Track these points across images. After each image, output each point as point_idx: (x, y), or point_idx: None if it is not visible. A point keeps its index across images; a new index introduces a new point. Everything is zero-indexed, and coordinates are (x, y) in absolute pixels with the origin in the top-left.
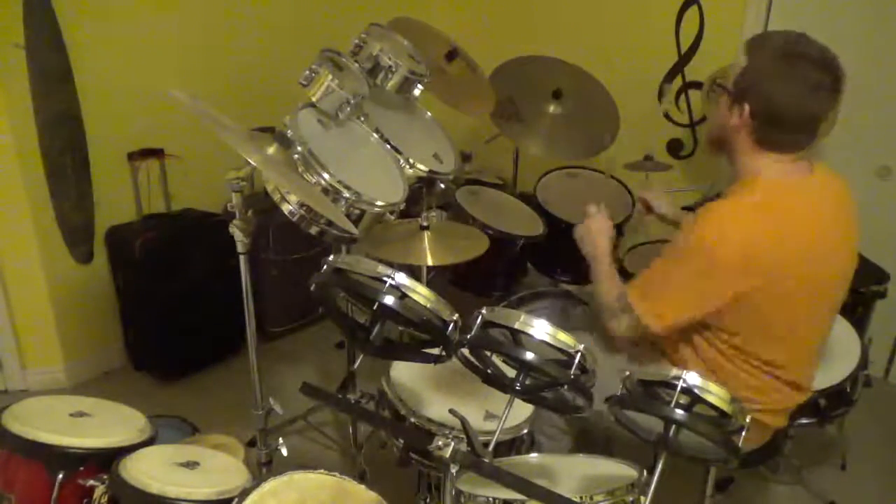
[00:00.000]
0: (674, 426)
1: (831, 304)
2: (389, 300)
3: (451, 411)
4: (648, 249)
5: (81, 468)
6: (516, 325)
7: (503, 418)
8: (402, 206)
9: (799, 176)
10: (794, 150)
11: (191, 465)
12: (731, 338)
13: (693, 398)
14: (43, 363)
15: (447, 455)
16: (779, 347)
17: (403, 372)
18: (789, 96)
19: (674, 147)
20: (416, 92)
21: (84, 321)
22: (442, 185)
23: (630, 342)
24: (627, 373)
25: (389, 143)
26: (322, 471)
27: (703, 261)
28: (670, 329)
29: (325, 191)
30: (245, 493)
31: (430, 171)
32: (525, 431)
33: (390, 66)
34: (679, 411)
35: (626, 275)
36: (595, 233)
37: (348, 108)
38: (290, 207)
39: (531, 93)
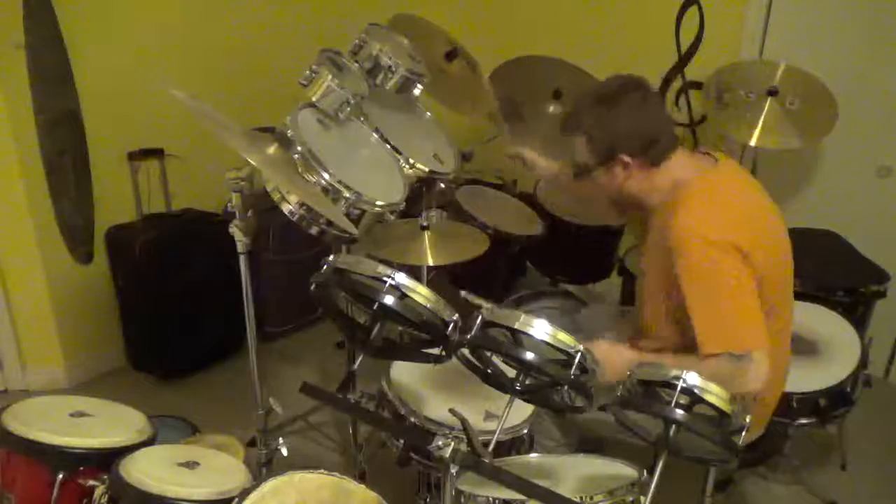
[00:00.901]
0: (674, 426)
1: (791, 271)
2: (389, 300)
3: (451, 411)
4: None
5: (81, 468)
6: (516, 325)
7: (503, 418)
8: (402, 206)
9: (711, 166)
10: (675, 147)
11: (191, 465)
12: None
13: (693, 398)
14: (43, 363)
15: (447, 455)
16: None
17: (403, 372)
18: (639, 118)
19: None
20: (416, 92)
21: (84, 321)
22: (442, 185)
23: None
24: (627, 373)
25: (389, 143)
26: (322, 471)
27: (739, 264)
28: None
29: (325, 191)
30: (245, 493)
31: (430, 171)
32: (525, 431)
33: (390, 66)
34: (679, 411)
35: (626, 273)
36: (613, 364)
37: (348, 108)
38: (290, 207)
39: (531, 93)
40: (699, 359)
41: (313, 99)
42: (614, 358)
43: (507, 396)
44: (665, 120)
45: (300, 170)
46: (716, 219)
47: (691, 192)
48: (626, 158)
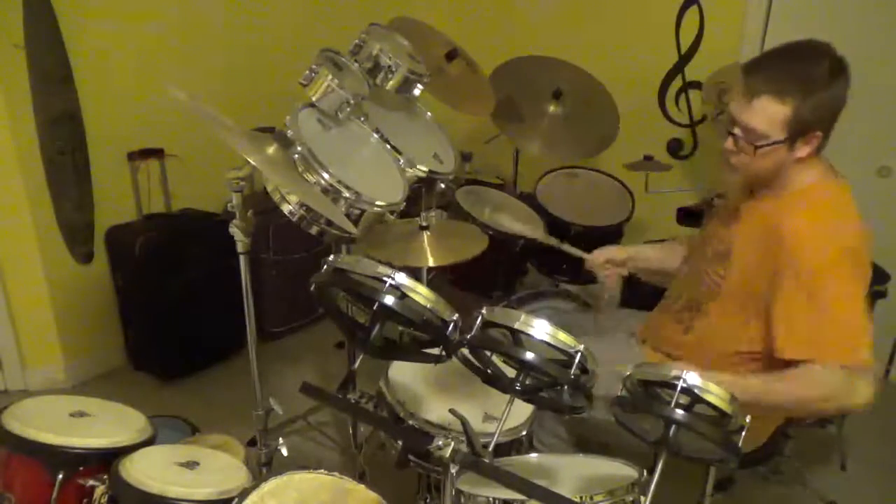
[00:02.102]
0: (674, 426)
1: None
2: (389, 300)
3: (451, 411)
4: None
5: (81, 468)
6: (516, 325)
7: (503, 418)
8: (403, 206)
9: (837, 177)
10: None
11: (191, 465)
12: None
13: (693, 398)
14: (43, 363)
15: (447, 455)
16: None
17: (403, 372)
18: (841, 91)
19: (674, 147)
20: (416, 92)
21: (84, 321)
22: (442, 185)
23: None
24: (627, 373)
25: (389, 143)
26: (322, 471)
27: (862, 270)
28: None
29: (325, 191)
30: (245, 493)
31: (430, 171)
32: (524, 433)
33: (390, 66)
34: (679, 411)
35: (629, 278)
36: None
37: (348, 108)
38: (290, 207)
39: (531, 93)
40: (793, 370)
41: (313, 99)
42: None
43: (507, 397)
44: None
45: (300, 170)
46: (845, 226)
47: (821, 193)
48: (819, 138)
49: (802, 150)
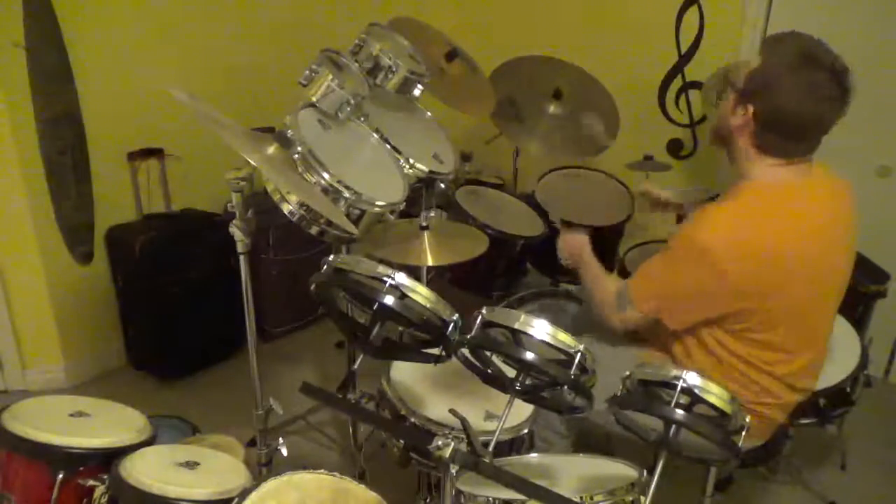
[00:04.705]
0: (674, 426)
1: (832, 303)
2: (389, 300)
3: (451, 411)
4: (648, 249)
5: (81, 468)
6: (516, 325)
7: (503, 418)
8: (402, 206)
9: (796, 179)
10: (791, 156)
11: (191, 465)
12: (739, 333)
13: (693, 398)
14: (43, 363)
15: (447, 455)
16: (779, 343)
17: (403, 372)
18: (794, 103)
19: (674, 147)
20: (416, 92)
21: (84, 321)
22: (442, 185)
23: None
24: (628, 373)
25: (389, 143)
26: (322, 471)
27: (702, 269)
28: (684, 326)
29: (325, 191)
30: (245, 493)
31: (430, 171)
32: (525, 431)
33: (390, 66)
34: (679, 411)
35: (626, 274)
36: (574, 245)
37: (348, 108)
38: (290, 207)
39: (531, 93)
40: (620, 281)
41: (313, 99)
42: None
43: (507, 396)
44: (809, 135)
45: (300, 170)
46: (732, 241)
47: (747, 192)
48: (749, 114)
49: (738, 117)
